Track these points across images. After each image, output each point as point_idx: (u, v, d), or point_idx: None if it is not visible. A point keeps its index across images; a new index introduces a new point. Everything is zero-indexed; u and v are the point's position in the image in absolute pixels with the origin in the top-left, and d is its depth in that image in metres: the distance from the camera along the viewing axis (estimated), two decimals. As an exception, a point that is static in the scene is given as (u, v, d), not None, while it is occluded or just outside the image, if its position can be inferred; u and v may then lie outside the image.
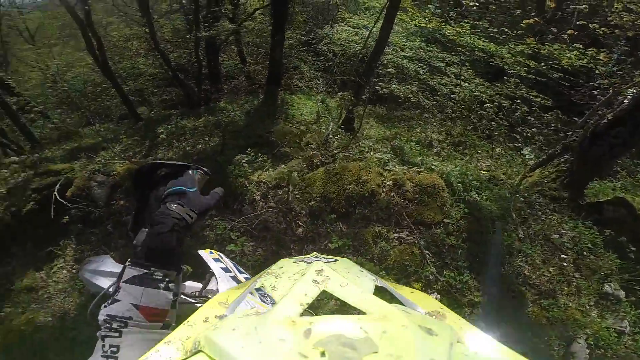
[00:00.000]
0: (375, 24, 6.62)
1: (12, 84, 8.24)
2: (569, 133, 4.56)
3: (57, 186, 3.81)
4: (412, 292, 0.79)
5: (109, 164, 4.29)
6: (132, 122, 6.64)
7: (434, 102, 6.48)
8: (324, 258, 0.85)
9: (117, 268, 1.30)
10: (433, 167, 3.95)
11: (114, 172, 4.05)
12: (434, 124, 6.68)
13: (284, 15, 6.02)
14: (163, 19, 10.53)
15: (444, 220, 3.29)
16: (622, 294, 3.12)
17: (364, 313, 0.53)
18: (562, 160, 3.97)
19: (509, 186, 3.98)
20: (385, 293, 0.73)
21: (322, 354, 0.39)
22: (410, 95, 6.03)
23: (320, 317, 0.50)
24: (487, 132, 6.27)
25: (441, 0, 8.40)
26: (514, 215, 3.52)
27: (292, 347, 0.40)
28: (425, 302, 0.73)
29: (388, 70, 6.40)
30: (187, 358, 0.50)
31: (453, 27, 6.63)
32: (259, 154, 4.07)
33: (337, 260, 0.83)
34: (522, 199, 3.73)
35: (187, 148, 4.72)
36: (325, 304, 2.56)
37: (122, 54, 10.45)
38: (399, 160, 4.22)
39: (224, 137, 4.40)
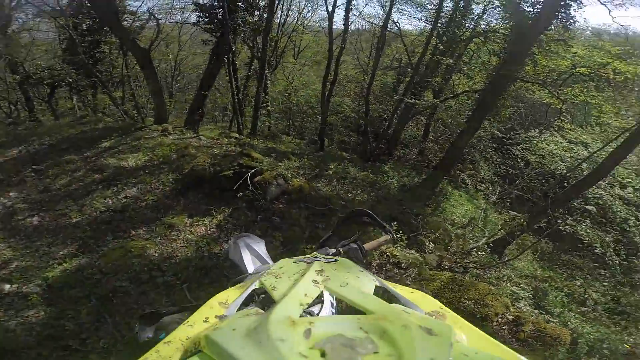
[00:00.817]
0: (604, 146, 5.64)
1: (269, 84, 11.26)
2: None
3: (252, 170, 4.60)
4: (412, 292, 0.77)
5: (291, 175, 5.14)
6: (316, 149, 8.08)
7: (624, 262, 5.11)
8: (324, 258, 0.84)
9: (265, 254, 1.32)
10: (570, 323, 3.43)
11: (290, 182, 4.82)
12: (605, 283, 5.26)
13: (491, 105, 5.82)
14: (380, 72, 11.58)
15: None
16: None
17: (364, 313, 0.53)
18: None
19: None
20: (385, 293, 0.72)
21: (322, 354, 0.38)
22: (597, 245, 4.97)
23: (320, 317, 0.50)
24: None
25: None
26: None
27: (292, 347, 0.40)
28: (425, 302, 0.71)
29: (587, 206, 5.45)
30: (187, 358, 0.50)
31: None
32: (400, 230, 4.25)
33: (337, 260, 0.82)
34: None
35: (341, 192, 5.51)
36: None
37: (338, 91, 12.68)
38: (534, 303, 3.78)
39: (376, 210, 4.81)
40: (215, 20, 7.84)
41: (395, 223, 4.45)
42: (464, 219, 5.90)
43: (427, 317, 0.62)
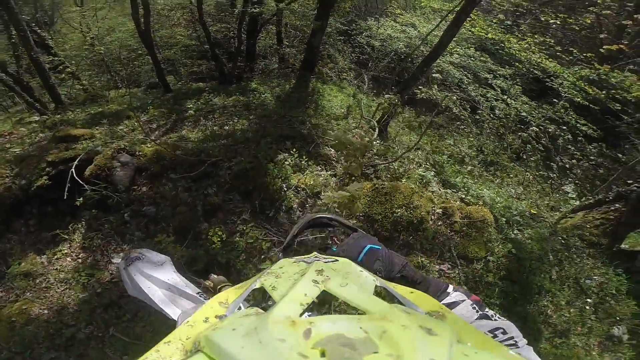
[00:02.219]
0: (438, 24, 6.35)
1: (52, 44, 8.28)
2: (614, 174, 4.28)
3: (77, 161, 3.35)
4: (412, 292, 0.78)
5: (134, 142, 3.89)
6: (161, 92, 6.55)
7: (471, 114, 6.20)
8: (324, 258, 0.85)
9: (177, 278, 1.03)
10: (477, 194, 3.88)
11: (140, 153, 3.63)
12: (468, 137, 6.42)
13: (331, 2, 5.78)
14: None
15: (487, 256, 3.24)
16: (625, 336, 3.22)
17: (364, 313, 0.53)
18: (612, 208, 3.75)
19: (548, 225, 3.83)
20: (385, 293, 0.72)
21: (322, 354, 0.38)
22: (450, 105, 5.75)
23: (320, 317, 0.49)
24: (521, 155, 5.99)
25: (513, 11, 7.91)
26: (551, 256, 3.42)
27: (292, 347, 0.39)
28: (425, 302, 0.73)
29: (433, 74, 6.10)
30: (187, 358, 0.50)
31: (516, 38, 6.12)
32: (301, 155, 3.79)
33: (337, 260, 0.83)
34: (562, 240, 3.64)
35: (215, 127, 4.58)
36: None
37: (163, 22, 10.38)
38: (440, 180, 4.11)
39: (264, 130, 4.11)
40: None
41: (289, 142, 3.96)
42: (342, 110, 5.91)
43: (427, 317, 0.63)
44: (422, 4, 8.84)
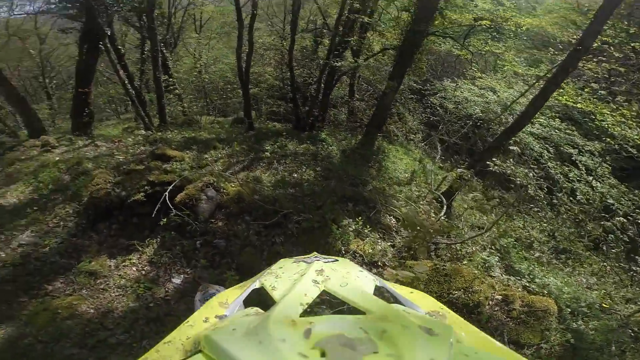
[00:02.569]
0: (524, 93, 6.12)
1: (170, 65, 9.77)
2: None
3: (171, 187, 3.76)
4: (411, 292, 0.76)
5: (221, 179, 4.31)
6: (245, 129, 7.30)
7: (547, 195, 5.66)
8: (324, 258, 0.83)
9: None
10: (543, 282, 3.70)
11: (224, 190, 4.05)
12: (540, 221, 5.92)
13: (409, 62, 5.91)
14: (298, 35, 11.36)
15: (540, 344, 3.08)
16: None
17: (364, 313, 0.53)
18: None
19: (619, 317, 3.43)
20: (385, 293, 0.72)
21: (322, 354, 0.38)
22: (527, 182, 5.34)
23: (320, 317, 0.49)
24: (600, 245, 5.34)
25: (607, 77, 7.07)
26: (614, 347, 3.10)
27: (293, 347, 0.40)
28: (426, 302, 0.71)
29: (511, 147, 5.89)
30: (187, 358, 0.50)
31: (609, 109, 5.36)
32: (365, 224, 3.85)
33: (337, 260, 0.82)
34: (632, 333, 3.28)
35: (285, 173, 5.03)
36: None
37: (257, 60, 11.57)
38: (504, 265, 3.97)
39: (330, 189, 4.37)
40: (77, 4, 6.24)
41: (351, 204, 4.17)
42: (406, 174, 5.94)
43: (427, 317, 0.61)
44: (505, 67, 8.47)
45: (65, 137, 5.91)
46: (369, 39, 8.47)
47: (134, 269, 3.44)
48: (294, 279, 0.70)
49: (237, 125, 8.17)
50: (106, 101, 12.05)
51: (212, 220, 3.79)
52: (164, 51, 9.00)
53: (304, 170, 5.20)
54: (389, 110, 7.36)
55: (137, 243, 3.61)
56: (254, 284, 0.78)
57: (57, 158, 4.98)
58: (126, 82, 6.48)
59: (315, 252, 0.97)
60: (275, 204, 3.95)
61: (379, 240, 3.82)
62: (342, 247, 3.58)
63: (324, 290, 0.64)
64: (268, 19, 12.95)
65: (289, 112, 9.40)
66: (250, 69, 7.53)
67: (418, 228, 3.25)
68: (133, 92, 6.91)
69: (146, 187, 3.84)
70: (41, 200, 4.17)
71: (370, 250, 3.57)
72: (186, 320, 0.65)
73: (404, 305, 0.67)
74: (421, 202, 4.82)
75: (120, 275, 3.36)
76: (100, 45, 6.06)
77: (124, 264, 3.48)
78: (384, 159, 6.23)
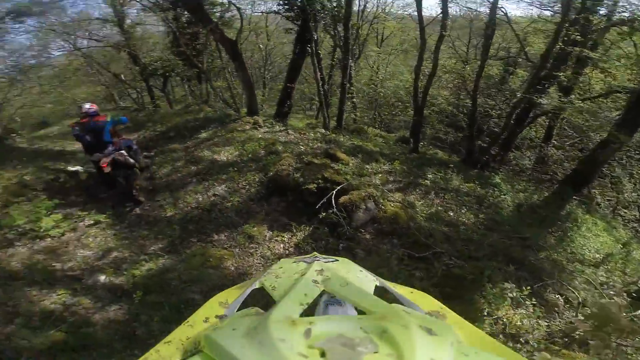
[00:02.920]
0: None
1: (352, 75, 10.69)
2: None
3: (339, 187, 4.09)
4: (412, 292, 0.78)
5: (383, 197, 4.38)
6: (408, 150, 7.24)
7: None
8: (324, 258, 0.83)
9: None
10: None
11: (382, 207, 4.14)
12: None
13: None
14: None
15: None
16: None
17: (364, 313, 0.53)
18: None
19: None
20: (385, 293, 0.73)
21: (322, 354, 0.38)
22: None
23: (320, 317, 0.48)
24: None
25: None
26: None
27: (292, 347, 0.40)
28: (426, 302, 0.72)
29: None
30: (187, 358, 0.50)
31: None
32: (530, 297, 3.20)
33: (337, 260, 0.82)
34: None
35: (440, 208, 4.67)
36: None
37: (433, 81, 11.50)
38: None
39: (491, 244, 3.78)
40: (295, 8, 7.55)
41: (513, 267, 3.49)
42: (597, 255, 4.54)
43: (427, 317, 0.62)
44: None
45: (269, 121, 7.33)
46: (588, 77, 7.11)
47: (282, 246, 3.82)
48: (294, 279, 0.70)
49: (400, 143, 8.19)
50: (299, 97, 14.30)
51: (362, 231, 3.91)
52: (351, 62, 9.77)
53: (463, 211, 4.71)
54: (600, 169, 5.95)
55: (294, 225, 4.04)
56: (254, 284, 0.79)
57: (260, 136, 6.26)
58: (320, 84, 7.49)
59: (315, 252, 0.95)
60: (429, 239, 3.71)
61: (535, 317, 3.05)
62: (488, 309, 3.07)
63: (323, 290, 0.65)
64: (451, 41, 12.45)
65: (456, 141, 8.76)
66: (429, 88, 7.39)
67: (610, 325, 2.36)
68: (322, 94, 7.91)
69: (319, 181, 4.28)
70: (240, 164, 5.33)
71: (519, 323, 2.93)
72: (186, 321, 0.66)
73: (404, 305, 0.67)
74: (607, 291, 3.60)
75: (268, 247, 3.78)
76: (308, 48, 7.21)
77: (276, 238, 3.91)
78: (572, 228, 4.94)
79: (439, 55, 7.36)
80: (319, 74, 7.52)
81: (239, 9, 8.27)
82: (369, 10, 12.63)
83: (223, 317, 0.68)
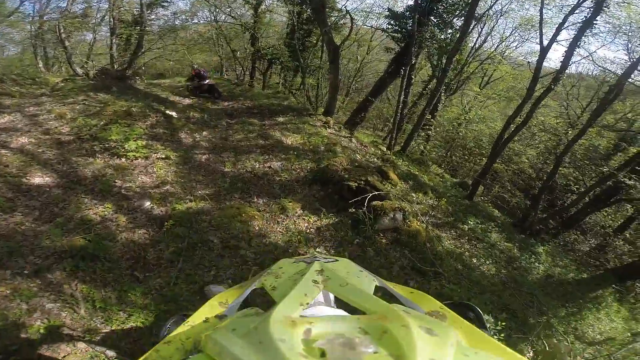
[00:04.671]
0: None
1: (440, 107, 10.57)
2: None
3: (375, 193, 4.44)
4: (412, 292, 0.76)
5: (412, 215, 4.59)
6: (463, 195, 7.08)
7: None
8: (324, 258, 0.83)
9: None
10: None
11: (409, 222, 4.41)
12: None
13: None
14: (594, 130, 8.97)
15: None
16: None
17: (364, 313, 0.53)
18: None
19: None
20: (385, 293, 0.72)
21: (322, 354, 0.39)
22: None
23: (320, 317, 0.49)
24: None
25: None
26: None
27: (293, 347, 0.40)
28: (426, 302, 0.71)
29: None
30: (187, 358, 0.50)
31: None
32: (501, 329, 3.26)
33: (337, 260, 0.81)
34: None
35: (466, 252, 4.64)
36: None
37: (523, 137, 10.62)
38: None
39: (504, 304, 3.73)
40: (404, 30, 7.82)
41: (505, 314, 3.41)
42: (599, 336, 4.14)
43: (427, 317, 0.61)
44: None
45: (338, 125, 7.89)
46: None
47: (305, 225, 4.19)
48: (294, 279, 0.70)
49: (458, 187, 8.00)
50: (375, 115, 14.59)
51: (381, 235, 4.19)
52: (442, 93, 9.68)
53: (488, 262, 4.64)
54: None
55: (324, 211, 4.42)
56: (254, 284, 0.79)
57: (326, 134, 6.82)
58: (400, 107, 7.73)
59: (315, 252, 0.92)
60: (438, 261, 3.92)
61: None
62: None
63: (323, 290, 0.65)
64: (565, 98, 11.43)
65: (517, 207, 8.19)
66: (510, 142, 7.09)
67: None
68: (399, 117, 8.12)
69: (361, 181, 4.61)
70: (300, 151, 5.92)
71: None
72: (186, 320, 0.66)
73: (404, 305, 0.66)
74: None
75: (294, 221, 4.15)
76: (401, 70, 7.46)
77: (304, 217, 4.29)
78: (590, 308, 4.54)
79: (537, 109, 6.98)
80: (402, 96, 7.73)
81: (352, 19, 8.84)
82: (485, 49, 12.11)
83: (223, 317, 0.68)
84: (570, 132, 8.70)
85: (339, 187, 4.68)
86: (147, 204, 3.92)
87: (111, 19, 9.99)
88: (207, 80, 8.65)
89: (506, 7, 11.04)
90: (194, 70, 9.00)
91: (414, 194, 5.84)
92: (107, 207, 3.73)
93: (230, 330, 0.48)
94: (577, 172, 8.42)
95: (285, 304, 0.55)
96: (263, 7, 12.15)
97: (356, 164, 5.38)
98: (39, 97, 6.33)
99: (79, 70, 9.29)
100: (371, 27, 13.32)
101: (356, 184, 4.51)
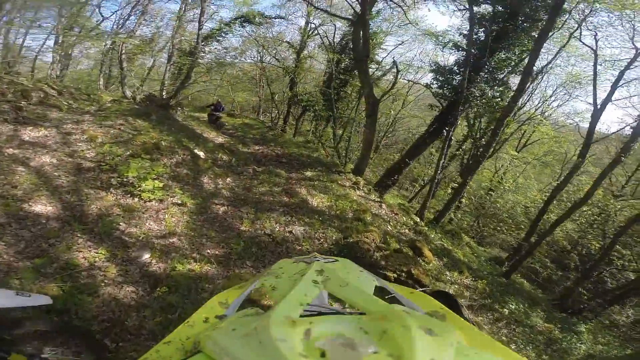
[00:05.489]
0: None
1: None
2: None
3: (420, 289, 4.19)
4: (412, 292, 0.82)
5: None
6: (499, 273, 6.44)
7: None
8: (324, 258, 0.87)
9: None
10: None
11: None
12: None
13: None
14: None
15: None
16: None
17: (364, 313, 0.55)
18: None
19: None
20: (385, 293, 0.75)
21: (322, 354, 0.39)
22: None
23: (320, 317, 0.49)
24: None
25: None
26: None
27: (293, 347, 0.39)
28: (426, 303, 0.77)
29: None
30: (187, 358, 0.50)
31: None
32: None
33: (337, 261, 0.86)
34: None
35: (503, 338, 4.05)
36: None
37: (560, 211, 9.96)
38: None
39: None
40: (450, 86, 7.35)
41: None
42: None
43: (427, 317, 0.61)
44: None
45: (368, 187, 7.48)
46: None
47: None
48: (294, 279, 0.70)
49: (492, 263, 7.23)
50: (405, 174, 14.08)
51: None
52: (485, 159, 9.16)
53: (528, 348, 4.06)
54: None
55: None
56: (254, 284, 0.78)
57: (355, 197, 6.41)
58: (439, 170, 7.15)
59: (315, 252, 0.81)
60: None
61: None
62: None
63: (323, 290, 0.65)
64: (600, 166, 10.40)
65: (557, 282, 7.28)
66: (562, 223, 6.39)
67: None
68: (435, 181, 7.53)
69: (403, 274, 4.15)
70: (326, 216, 5.52)
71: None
72: (186, 321, 0.66)
73: (404, 305, 0.69)
74: None
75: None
76: (444, 130, 6.92)
77: None
78: None
79: (600, 183, 6.12)
80: (442, 160, 7.19)
81: (398, 71, 8.62)
82: (526, 109, 11.37)
83: (223, 317, 0.68)
84: (618, 205, 7.91)
85: (374, 269, 4.18)
86: (146, 256, 3.60)
87: (171, 47, 10.51)
88: (218, 113, 10.01)
89: (552, 63, 10.36)
90: (215, 101, 10.41)
91: (448, 272, 5.28)
92: (100, 253, 3.38)
93: (230, 330, 0.49)
94: (624, 249, 7.42)
95: (285, 304, 0.54)
96: (305, 52, 12.64)
97: (391, 246, 4.87)
98: (83, 114, 6.27)
99: (128, 93, 9.67)
100: (409, 81, 13.16)
101: (395, 275, 3.99)
